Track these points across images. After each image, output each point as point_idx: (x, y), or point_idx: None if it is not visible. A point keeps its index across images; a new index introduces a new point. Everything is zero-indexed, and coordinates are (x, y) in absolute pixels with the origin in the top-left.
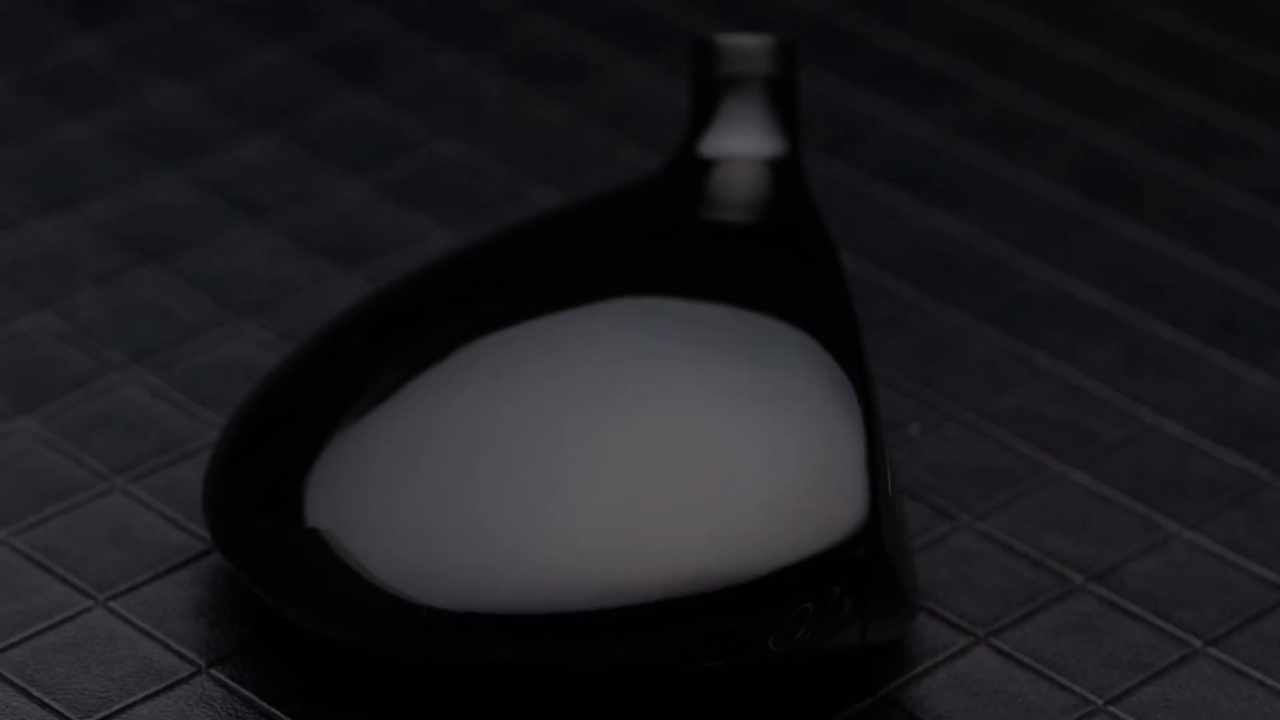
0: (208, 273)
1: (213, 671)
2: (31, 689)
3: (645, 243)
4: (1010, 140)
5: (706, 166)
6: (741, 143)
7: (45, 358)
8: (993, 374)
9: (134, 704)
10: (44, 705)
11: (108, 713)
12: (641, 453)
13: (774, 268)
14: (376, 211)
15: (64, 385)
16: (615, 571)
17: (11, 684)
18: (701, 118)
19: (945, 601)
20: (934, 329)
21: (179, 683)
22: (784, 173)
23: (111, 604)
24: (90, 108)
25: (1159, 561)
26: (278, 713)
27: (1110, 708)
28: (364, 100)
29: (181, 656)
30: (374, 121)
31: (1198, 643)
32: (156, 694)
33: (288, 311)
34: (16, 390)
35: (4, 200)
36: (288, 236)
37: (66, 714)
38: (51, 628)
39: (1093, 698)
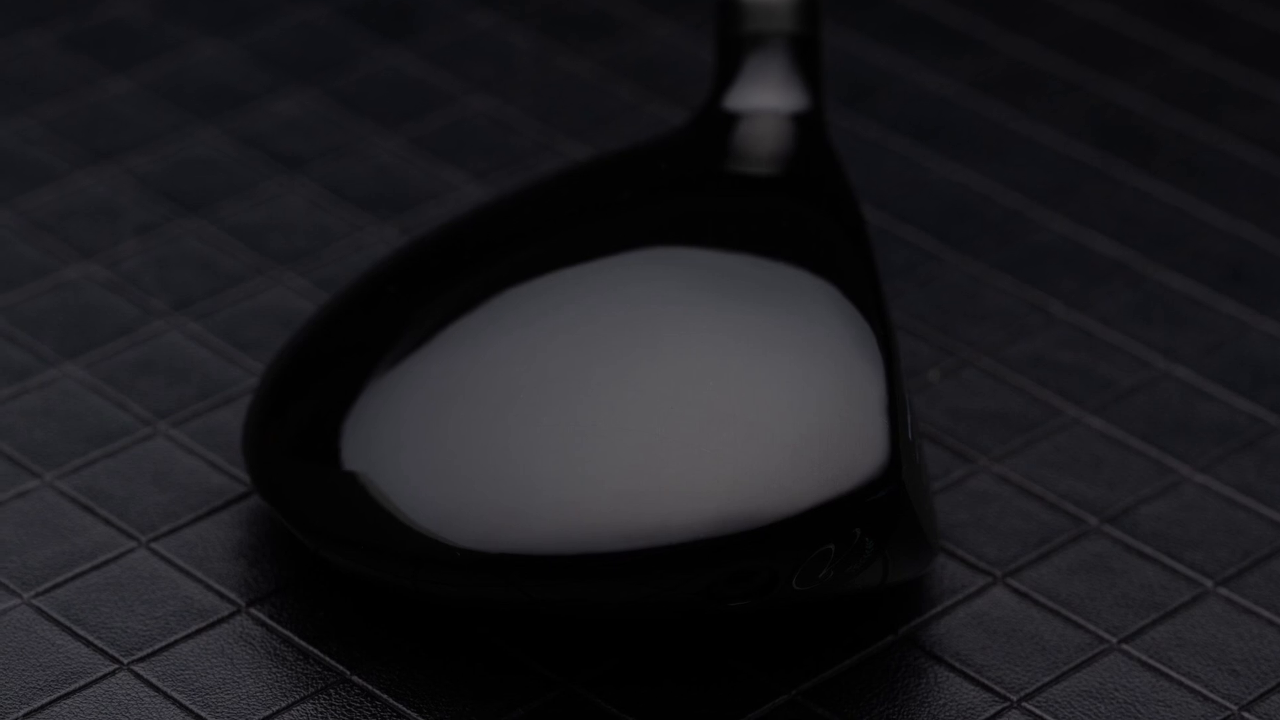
0: (247, 223)
1: (252, 610)
2: (76, 627)
3: (672, 194)
4: (1025, 94)
5: (732, 120)
6: (765, 97)
7: (90, 306)
8: (1009, 321)
9: (176, 642)
10: (88, 643)
11: (150, 650)
12: (668, 398)
13: (797, 218)
14: (411, 164)
15: (108, 332)
16: (642, 513)
17: (57, 622)
18: (727, 73)
19: (963, 542)
20: (952, 278)
21: (219, 621)
22: (806, 126)
23: (154, 545)
24: (133, 64)
25: (1171, 504)
26: (315, 650)
27: (1124, 646)
28: (399, 56)
29: (222, 596)
30: (408, 77)
31: (1209, 583)
32: (198, 632)
33: (325, 260)
34: (63, 337)
35: (51, 153)
36: (325, 188)
37: (110, 651)
38: (95, 568)
39: (1106, 636)
